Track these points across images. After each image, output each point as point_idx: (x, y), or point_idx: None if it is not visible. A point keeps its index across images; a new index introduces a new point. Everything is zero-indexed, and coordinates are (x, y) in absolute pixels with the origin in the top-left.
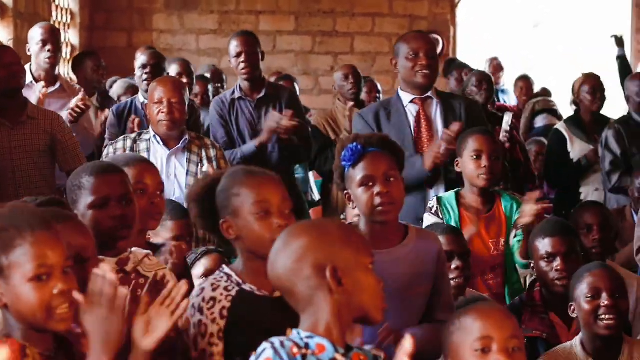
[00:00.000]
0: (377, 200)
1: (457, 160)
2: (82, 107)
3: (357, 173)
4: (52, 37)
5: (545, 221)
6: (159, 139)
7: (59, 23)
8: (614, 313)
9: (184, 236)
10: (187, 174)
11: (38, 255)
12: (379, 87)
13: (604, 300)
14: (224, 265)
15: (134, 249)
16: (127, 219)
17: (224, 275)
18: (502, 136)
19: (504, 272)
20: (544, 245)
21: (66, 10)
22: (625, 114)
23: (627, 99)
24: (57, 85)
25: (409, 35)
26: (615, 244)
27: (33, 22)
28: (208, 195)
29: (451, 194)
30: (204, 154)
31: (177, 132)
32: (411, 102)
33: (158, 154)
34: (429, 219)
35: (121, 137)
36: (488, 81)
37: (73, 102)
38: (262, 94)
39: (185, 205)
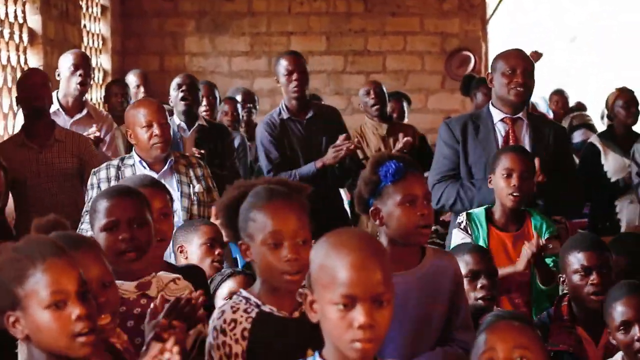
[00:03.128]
0: (421, 221)
1: (489, 177)
2: (92, 138)
3: (399, 191)
4: (83, 63)
5: (579, 235)
6: (144, 163)
7: (90, 48)
8: None
9: (217, 240)
10: (180, 196)
11: (52, 282)
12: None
13: (637, 332)
14: (241, 290)
15: (160, 273)
16: (137, 241)
17: (242, 299)
18: None
19: (530, 292)
20: (578, 259)
21: (97, 35)
22: None
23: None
24: (84, 112)
25: (508, 52)
26: None
27: (63, 48)
28: (233, 209)
29: (481, 210)
30: (192, 173)
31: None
32: (501, 120)
33: None
34: (457, 235)
35: (104, 165)
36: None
37: (88, 132)
38: (310, 114)
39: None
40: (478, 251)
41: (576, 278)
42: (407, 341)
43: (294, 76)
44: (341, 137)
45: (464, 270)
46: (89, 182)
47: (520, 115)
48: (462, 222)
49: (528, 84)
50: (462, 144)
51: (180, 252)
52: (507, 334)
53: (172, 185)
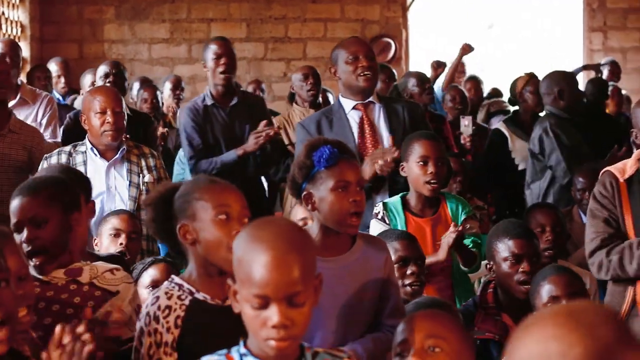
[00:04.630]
0: (352, 207)
1: (402, 165)
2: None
3: (332, 176)
4: (11, 51)
5: (507, 222)
6: (96, 150)
7: (9, 36)
8: None
9: (123, 230)
10: (129, 185)
11: None
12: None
13: None
14: (173, 276)
15: (97, 262)
16: (38, 242)
17: (175, 285)
18: (466, 140)
19: (452, 274)
20: (508, 246)
21: (16, 22)
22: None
23: (542, 96)
24: (17, 98)
25: (346, 41)
26: (566, 245)
27: None
28: (165, 202)
29: (397, 198)
30: (143, 163)
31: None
32: (353, 108)
33: (96, 166)
34: (376, 225)
35: (55, 152)
36: (428, 81)
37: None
38: (234, 102)
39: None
40: (406, 238)
41: (505, 266)
42: (337, 328)
43: (222, 60)
44: (262, 123)
45: (393, 257)
46: (39, 168)
47: (371, 99)
48: (379, 212)
49: (374, 67)
50: None
51: (96, 245)
52: (421, 323)
53: (122, 174)
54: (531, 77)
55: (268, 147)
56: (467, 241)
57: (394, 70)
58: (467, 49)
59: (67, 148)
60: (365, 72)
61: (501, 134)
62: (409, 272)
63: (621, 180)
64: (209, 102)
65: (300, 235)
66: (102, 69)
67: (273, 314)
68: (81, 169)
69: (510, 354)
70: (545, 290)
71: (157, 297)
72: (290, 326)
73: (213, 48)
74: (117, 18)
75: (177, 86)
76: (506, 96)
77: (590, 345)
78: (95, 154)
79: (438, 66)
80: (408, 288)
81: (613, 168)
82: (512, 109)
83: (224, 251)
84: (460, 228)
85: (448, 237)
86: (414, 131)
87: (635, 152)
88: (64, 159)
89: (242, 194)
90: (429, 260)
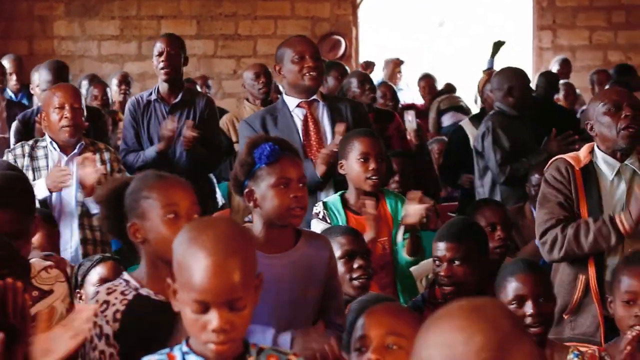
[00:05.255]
0: (293, 203)
1: (341, 163)
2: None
3: (273, 173)
4: None
5: (447, 224)
6: (55, 145)
7: None
8: (538, 320)
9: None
10: None
11: None
12: None
13: (529, 308)
14: (124, 272)
15: (32, 260)
16: None
17: (122, 281)
18: (412, 136)
19: (394, 270)
20: (436, 247)
21: None
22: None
23: (493, 92)
24: None
25: (292, 40)
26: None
27: None
28: (116, 198)
29: (336, 197)
30: (98, 158)
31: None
32: (298, 106)
33: (56, 160)
34: (317, 225)
35: (19, 144)
36: (370, 81)
37: None
38: (178, 99)
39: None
40: (351, 232)
41: (434, 266)
42: (281, 324)
43: (163, 57)
44: (188, 122)
45: (338, 252)
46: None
47: (315, 97)
48: (319, 212)
49: (320, 67)
50: None
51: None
52: (382, 320)
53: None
54: (491, 76)
55: (198, 147)
56: (406, 235)
57: (347, 68)
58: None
59: (30, 142)
60: (311, 72)
61: (463, 132)
62: (355, 265)
63: (577, 168)
64: (153, 96)
65: (240, 238)
66: (45, 75)
67: (213, 318)
68: (42, 162)
69: (419, 344)
70: (512, 287)
71: (97, 292)
72: (230, 330)
73: (157, 45)
74: (67, 15)
75: (122, 82)
76: (459, 92)
77: (490, 334)
78: (55, 148)
79: (367, 66)
80: (355, 282)
81: (567, 156)
82: (474, 106)
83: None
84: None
85: (368, 208)
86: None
87: (587, 144)
88: (27, 149)
89: (192, 188)
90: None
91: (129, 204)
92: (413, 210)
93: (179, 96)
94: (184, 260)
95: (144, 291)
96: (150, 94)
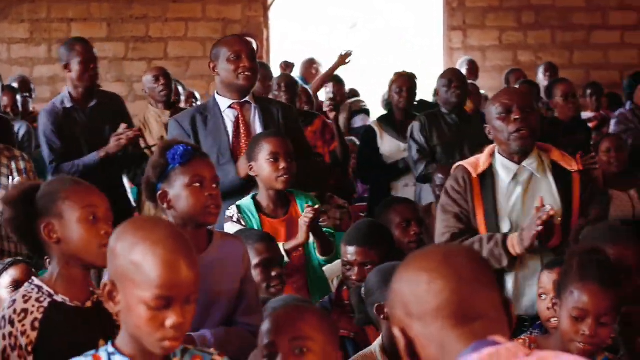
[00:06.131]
0: (209, 201)
1: (250, 165)
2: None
3: (187, 173)
4: None
5: (353, 226)
6: None
7: None
8: None
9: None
10: None
11: None
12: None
13: None
14: (33, 277)
15: None
16: None
17: (34, 287)
18: (327, 105)
19: (307, 273)
20: (346, 251)
21: None
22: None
23: (436, 92)
24: None
25: (229, 39)
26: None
27: None
28: (25, 200)
29: (249, 200)
30: (14, 165)
31: None
32: (229, 107)
33: None
34: (231, 228)
35: None
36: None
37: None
38: (94, 103)
39: None
40: (266, 239)
41: (344, 269)
42: (194, 326)
43: (88, 64)
44: (122, 125)
45: (255, 259)
46: None
47: (247, 99)
48: (233, 215)
49: (255, 67)
50: (193, 136)
51: None
52: (287, 324)
53: None
54: (398, 76)
55: (130, 149)
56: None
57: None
58: (344, 58)
59: None
60: (246, 72)
61: (372, 131)
62: (273, 274)
63: (474, 175)
64: (67, 104)
65: (182, 233)
66: None
67: (173, 314)
68: None
69: (395, 277)
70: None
71: (14, 301)
72: (185, 325)
73: (76, 50)
74: None
75: (23, 87)
76: (372, 96)
77: (451, 280)
78: None
79: (286, 66)
80: (272, 289)
81: (466, 163)
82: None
83: (95, 249)
84: (317, 207)
85: (304, 217)
86: (288, 133)
87: (489, 147)
88: None
89: (105, 195)
90: (290, 245)
91: (43, 204)
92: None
93: (94, 100)
94: (138, 258)
95: (59, 298)
96: (62, 101)
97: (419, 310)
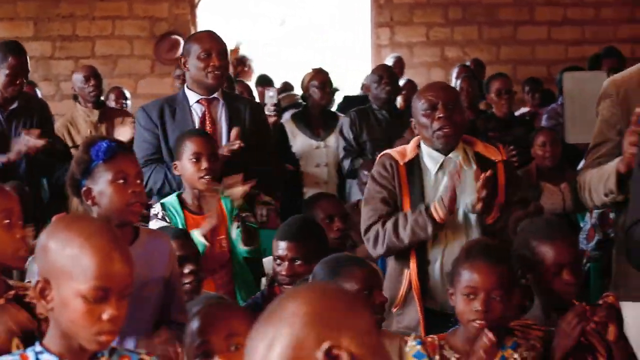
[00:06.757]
0: (133, 198)
1: (175, 164)
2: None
3: (110, 169)
4: None
5: (287, 222)
6: None
7: None
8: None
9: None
10: None
11: None
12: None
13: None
14: None
15: None
16: None
17: None
18: (270, 111)
19: (233, 268)
20: (277, 246)
21: None
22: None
23: (366, 88)
24: None
25: (202, 35)
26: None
27: None
28: None
29: (173, 197)
30: None
31: None
32: (197, 102)
33: None
34: (155, 225)
35: None
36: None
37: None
38: (14, 105)
39: None
40: (180, 236)
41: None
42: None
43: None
44: (35, 131)
45: None
46: None
47: (215, 95)
48: (157, 212)
49: (225, 66)
50: (160, 127)
51: None
52: (219, 323)
53: None
54: (317, 72)
55: (41, 155)
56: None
57: None
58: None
59: None
60: (216, 71)
61: (282, 130)
62: (186, 271)
63: (401, 163)
64: None
65: (115, 229)
66: None
67: (110, 307)
68: None
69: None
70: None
71: None
72: (119, 319)
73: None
74: None
75: None
76: (297, 90)
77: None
78: None
79: None
80: (187, 286)
81: (392, 151)
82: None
83: (11, 251)
84: (224, 185)
85: (209, 201)
86: (255, 131)
87: (415, 138)
88: None
89: (18, 197)
90: (205, 228)
91: None
92: (236, 192)
93: (16, 103)
94: (73, 251)
95: None
96: None
97: None
